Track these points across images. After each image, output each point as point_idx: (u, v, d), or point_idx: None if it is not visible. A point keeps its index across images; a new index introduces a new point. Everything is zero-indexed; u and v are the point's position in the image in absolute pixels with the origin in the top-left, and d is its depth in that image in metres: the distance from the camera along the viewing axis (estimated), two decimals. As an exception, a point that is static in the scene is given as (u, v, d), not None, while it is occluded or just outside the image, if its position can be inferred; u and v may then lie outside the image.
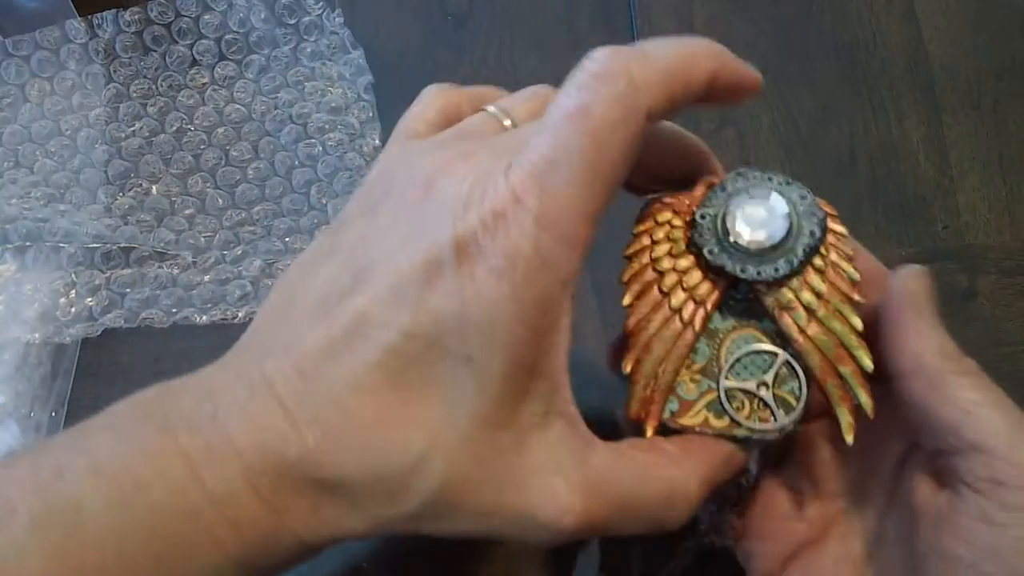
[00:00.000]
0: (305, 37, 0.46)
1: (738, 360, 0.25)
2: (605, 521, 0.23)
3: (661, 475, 0.24)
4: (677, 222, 0.26)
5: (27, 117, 0.45)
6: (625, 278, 0.26)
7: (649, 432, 0.25)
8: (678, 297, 0.25)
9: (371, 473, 0.22)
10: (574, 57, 0.50)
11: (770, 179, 0.26)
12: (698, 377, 0.25)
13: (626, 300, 0.26)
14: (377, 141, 0.44)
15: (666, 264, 0.26)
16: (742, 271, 0.25)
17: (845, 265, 0.25)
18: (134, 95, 0.45)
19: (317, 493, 0.22)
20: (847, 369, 0.25)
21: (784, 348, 0.25)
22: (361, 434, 0.22)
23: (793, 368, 0.25)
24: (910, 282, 0.25)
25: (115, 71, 0.45)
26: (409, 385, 0.22)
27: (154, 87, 0.45)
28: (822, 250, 0.25)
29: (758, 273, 0.25)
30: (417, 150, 0.25)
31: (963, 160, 0.43)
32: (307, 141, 0.44)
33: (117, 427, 0.22)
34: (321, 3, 0.46)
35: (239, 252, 0.42)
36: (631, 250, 0.26)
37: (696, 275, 0.26)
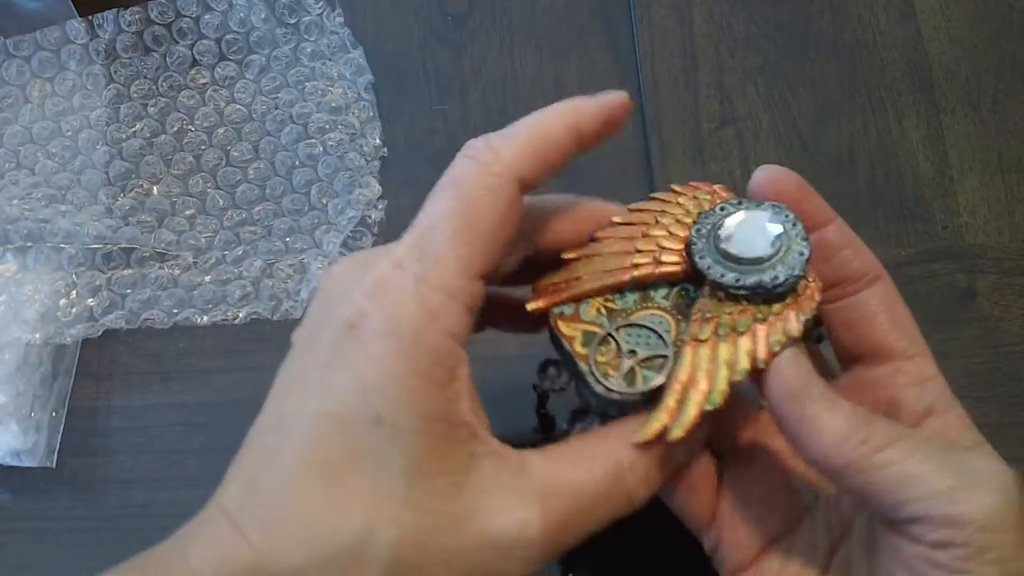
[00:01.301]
0: (305, 37, 0.46)
1: (640, 326, 0.27)
2: (569, 523, 0.24)
3: (597, 453, 0.25)
4: (685, 219, 0.28)
5: (28, 118, 0.45)
6: (618, 219, 0.28)
7: (529, 306, 0.27)
8: (647, 246, 0.28)
9: (321, 558, 0.22)
10: (574, 57, 0.50)
11: (772, 207, 0.27)
12: (604, 311, 0.27)
13: (616, 219, 0.28)
14: (378, 140, 0.44)
15: (656, 232, 0.28)
16: (721, 275, 0.26)
17: (786, 325, 0.25)
18: (135, 96, 0.45)
19: None
20: (694, 394, 0.25)
21: (676, 347, 0.27)
22: (303, 524, 0.22)
23: (667, 366, 0.26)
24: (783, 376, 0.25)
25: (115, 72, 0.45)
26: (335, 464, 0.23)
27: (155, 87, 0.45)
28: (784, 300, 0.26)
29: (736, 280, 0.26)
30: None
31: (962, 160, 0.43)
32: (307, 141, 0.44)
33: None
34: (321, 3, 0.46)
35: (240, 252, 0.42)
36: (637, 205, 0.29)
37: (673, 250, 0.27)
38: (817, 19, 0.46)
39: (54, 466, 0.40)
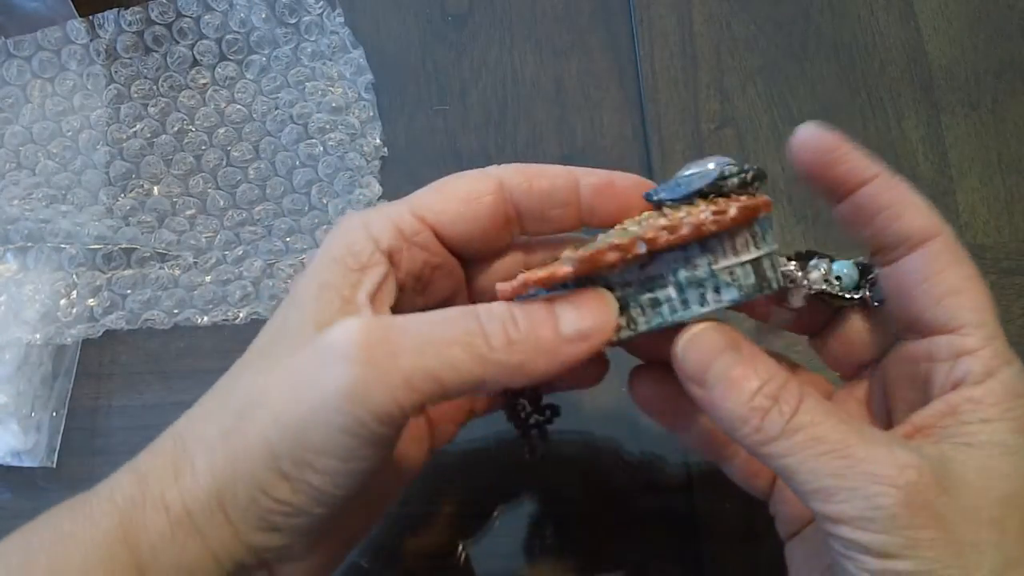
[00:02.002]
0: (306, 37, 0.46)
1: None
2: (392, 341, 0.23)
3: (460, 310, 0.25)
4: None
5: (28, 118, 0.45)
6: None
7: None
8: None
9: (220, 414, 0.25)
10: (574, 57, 0.50)
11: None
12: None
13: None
14: (378, 140, 0.44)
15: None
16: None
17: (701, 212, 0.25)
18: (135, 96, 0.45)
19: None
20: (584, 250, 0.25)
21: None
22: (213, 399, 0.26)
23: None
24: (681, 359, 0.25)
25: (116, 72, 0.45)
26: (263, 347, 0.26)
27: (155, 88, 0.45)
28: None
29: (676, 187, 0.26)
30: None
31: (962, 160, 0.43)
32: (308, 141, 0.44)
33: (59, 517, 0.26)
34: (321, 3, 0.46)
35: (240, 252, 0.42)
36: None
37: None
38: (817, 19, 0.46)
39: (54, 466, 0.40)
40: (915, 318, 0.26)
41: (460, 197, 0.27)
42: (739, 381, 0.24)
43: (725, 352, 0.24)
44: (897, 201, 0.26)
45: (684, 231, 0.24)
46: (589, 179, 0.28)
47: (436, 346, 0.23)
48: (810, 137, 0.27)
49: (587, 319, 0.24)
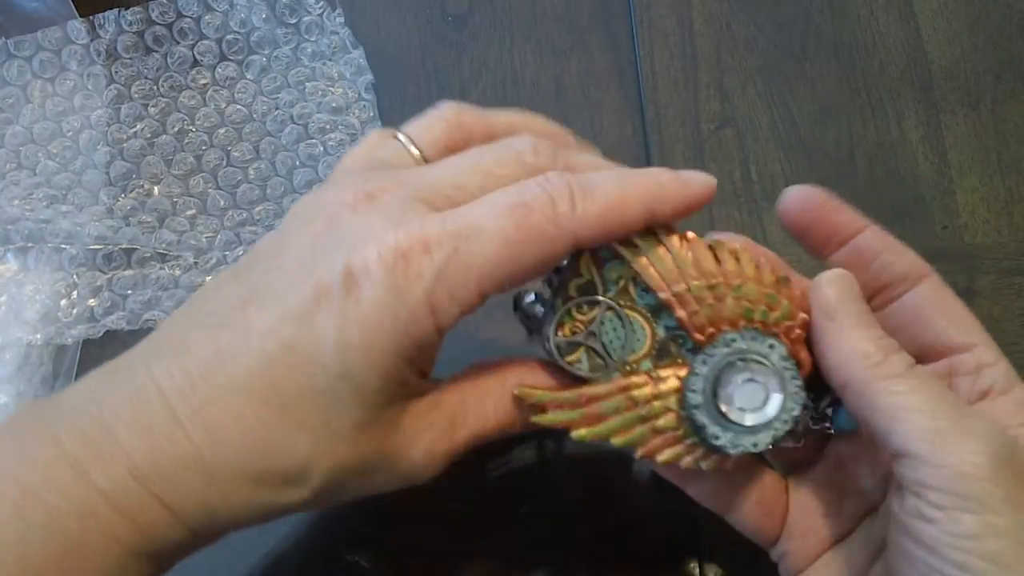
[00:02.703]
0: (306, 37, 0.46)
1: (628, 321, 0.27)
2: (469, 444, 0.26)
3: (495, 380, 0.27)
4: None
5: (29, 118, 0.45)
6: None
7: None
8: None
9: (260, 471, 0.24)
10: (574, 57, 0.50)
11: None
12: (622, 285, 0.27)
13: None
14: (378, 141, 0.44)
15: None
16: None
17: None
18: (135, 96, 0.45)
19: (205, 487, 0.23)
20: (600, 426, 0.27)
21: (622, 368, 0.27)
22: (251, 435, 0.23)
23: (599, 377, 0.27)
24: (822, 290, 0.26)
25: (116, 72, 0.45)
26: (287, 392, 0.23)
27: (155, 88, 0.45)
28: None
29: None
30: (331, 185, 0.27)
31: (962, 160, 0.43)
32: (308, 141, 0.44)
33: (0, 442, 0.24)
34: (322, 3, 0.46)
35: (241, 253, 0.42)
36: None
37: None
38: (817, 19, 0.46)
39: (55, 466, 0.40)
40: (932, 342, 0.28)
41: (537, 269, 0.25)
42: (868, 322, 0.25)
43: (860, 298, 0.26)
44: (892, 245, 0.28)
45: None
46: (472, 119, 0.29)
47: (488, 434, 0.28)
48: (802, 196, 0.28)
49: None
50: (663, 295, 0.26)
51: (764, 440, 0.26)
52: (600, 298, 0.27)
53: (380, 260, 0.23)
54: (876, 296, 0.28)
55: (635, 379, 0.27)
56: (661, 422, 0.27)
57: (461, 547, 0.37)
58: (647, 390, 0.27)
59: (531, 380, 0.27)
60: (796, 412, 0.26)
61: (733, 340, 0.26)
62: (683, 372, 0.27)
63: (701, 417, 0.26)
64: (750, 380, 0.26)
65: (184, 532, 0.24)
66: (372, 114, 0.45)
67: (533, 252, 0.24)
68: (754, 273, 0.26)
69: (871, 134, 0.44)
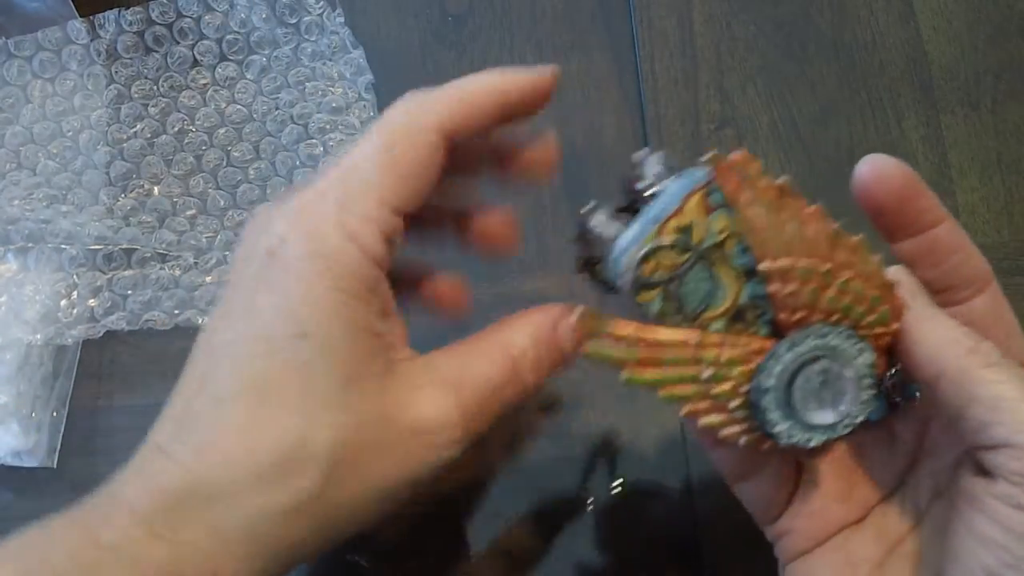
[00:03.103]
0: (306, 37, 0.46)
1: (709, 279, 0.25)
2: (480, 407, 0.26)
3: (493, 345, 0.26)
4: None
5: (29, 118, 0.45)
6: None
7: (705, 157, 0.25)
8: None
9: (257, 469, 0.23)
10: (574, 57, 0.50)
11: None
12: (718, 234, 0.25)
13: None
14: (378, 141, 0.44)
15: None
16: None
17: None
18: (136, 96, 0.45)
19: (207, 510, 0.23)
20: (650, 372, 0.26)
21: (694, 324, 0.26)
22: (234, 440, 0.23)
23: (669, 324, 0.26)
24: (901, 280, 0.26)
25: (116, 72, 0.45)
26: (265, 381, 0.23)
27: (155, 88, 0.45)
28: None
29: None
30: None
31: (962, 160, 0.43)
32: (308, 141, 0.44)
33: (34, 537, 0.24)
34: (322, 3, 0.46)
35: (240, 252, 0.42)
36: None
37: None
38: (817, 19, 0.46)
39: (55, 466, 0.40)
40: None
41: (419, 172, 0.25)
42: (944, 314, 0.25)
43: (927, 293, 0.26)
44: (966, 244, 0.26)
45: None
46: (514, 87, 0.27)
47: (499, 407, 0.26)
48: (883, 169, 0.26)
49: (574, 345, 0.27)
50: (765, 266, 0.24)
51: (818, 439, 0.25)
52: (693, 245, 0.25)
53: (286, 221, 0.24)
54: (940, 295, 0.27)
55: (710, 338, 0.25)
56: (718, 390, 0.25)
57: (461, 547, 0.37)
58: (716, 353, 0.25)
59: (520, 337, 0.27)
60: (860, 419, 0.25)
61: (826, 334, 0.25)
62: (755, 345, 0.25)
63: (767, 401, 0.25)
64: (826, 379, 0.25)
65: (205, 568, 0.23)
66: (372, 114, 0.45)
67: (409, 155, 0.25)
68: (867, 270, 0.25)
69: (871, 134, 0.44)
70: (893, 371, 0.27)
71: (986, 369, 0.23)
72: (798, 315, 0.25)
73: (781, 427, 0.25)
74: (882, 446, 0.29)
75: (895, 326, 0.25)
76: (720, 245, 0.25)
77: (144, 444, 0.24)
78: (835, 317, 0.25)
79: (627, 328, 0.25)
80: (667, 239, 0.25)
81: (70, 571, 0.22)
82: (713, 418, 0.26)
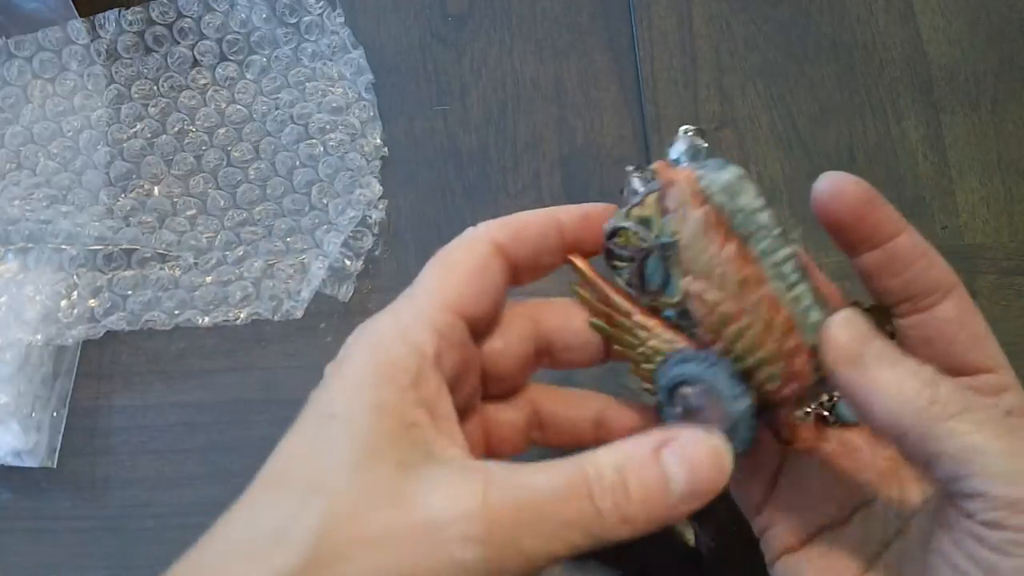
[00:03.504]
0: (306, 37, 0.46)
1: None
2: (518, 524, 0.22)
3: (562, 463, 0.23)
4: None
5: (29, 118, 0.45)
6: None
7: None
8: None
9: (247, 541, 0.22)
10: (574, 57, 0.50)
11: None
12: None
13: None
14: (378, 140, 0.44)
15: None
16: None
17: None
18: (136, 96, 0.45)
19: None
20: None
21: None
22: (242, 513, 0.23)
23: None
24: (838, 339, 0.24)
25: (116, 72, 0.45)
26: (286, 460, 0.24)
27: (155, 88, 0.45)
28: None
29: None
30: None
31: (962, 160, 0.43)
32: (308, 141, 0.44)
33: None
34: (322, 3, 0.46)
35: (240, 253, 0.42)
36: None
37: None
38: (817, 19, 0.46)
39: (55, 466, 0.40)
40: (959, 360, 0.26)
41: (473, 272, 0.27)
42: (897, 357, 0.24)
43: (879, 336, 0.24)
44: (928, 251, 0.26)
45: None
46: (567, 216, 0.28)
47: (555, 527, 0.22)
48: (839, 185, 0.26)
49: (701, 478, 0.23)
50: (685, 283, 0.26)
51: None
52: (644, 242, 0.27)
53: (354, 337, 0.26)
54: (904, 304, 0.27)
55: (648, 321, 0.27)
56: (645, 366, 0.28)
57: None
58: (646, 336, 0.28)
59: (604, 455, 0.24)
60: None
61: (713, 364, 0.26)
62: (679, 343, 0.27)
63: (660, 396, 0.27)
64: (688, 407, 0.26)
65: None
66: (372, 114, 0.45)
67: (461, 264, 0.27)
68: (773, 323, 0.25)
69: (871, 134, 0.44)
70: (828, 398, 0.29)
71: (950, 421, 0.22)
72: (709, 336, 0.26)
73: (667, 423, 0.27)
74: (866, 449, 0.28)
75: (787, 391, 0.25)
76: (673, 245, 0.26)
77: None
78: (732, 355, 0.26)
79: (598, 280, 0.28)
80: (629, 223, 0.27)
81: None
82: (643, 385, 0.28)
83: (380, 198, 0.43)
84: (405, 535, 0.22)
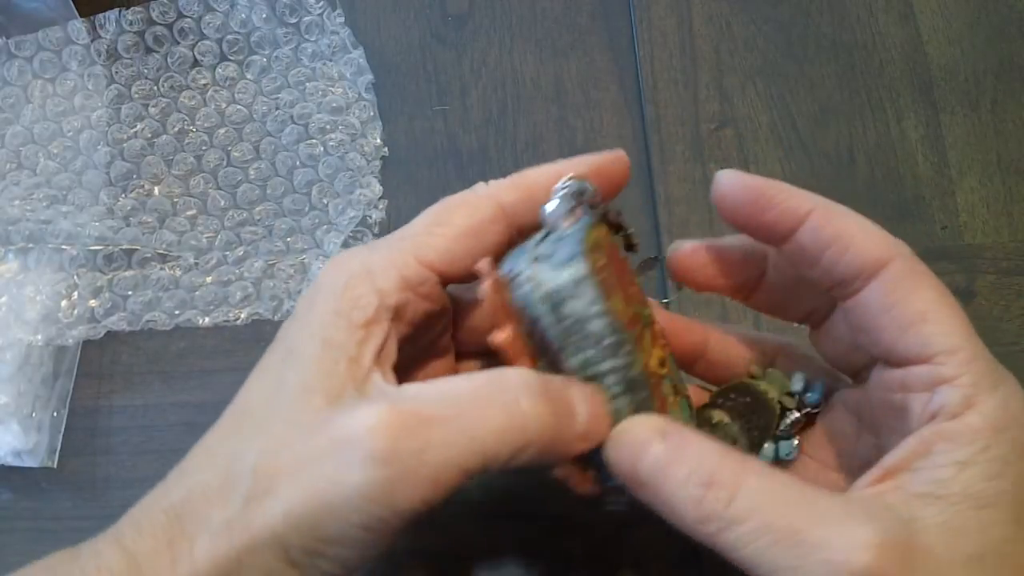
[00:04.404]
0: (306, 37, 0.46)
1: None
2: (424, 426, 0.22)
3: (484, 372, 0.24)
4: None
5: (29, 118, 0.45)
6: None
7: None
8: None
9: (197, 487, 0.24)
10: (574, 57, 0.50)
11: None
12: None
13: None
14: (378, 140, 0.44)
15: None
16: None
17: None
18: (136, 96, 0.45)
19: (169, 526, 0.24)
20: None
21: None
22: (201, 459, 0.25)
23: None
24: (618, 464, 0.24)
25: (117, 72, 0.45)
26: (245, 402, 0.25)
27: (156, 88, 0.45)
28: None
29: None
30: None
31: (961, 160, 0.43)
32: (308, 141, 0.44)
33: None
34: (322, 3, 0.46)
35: (241, 253, 0.42)
36: None
37: None
38: (817, 19, 0.46)
39: (55, 466, 0.40)
40: (887, 351, 0.24)
41: (465, 232, 0.26)
42: (667, 469, 0.23)
43: (651, 444, 0.23)
44: (842, 232, 0.24)
45: None
46: (578, 170, 0.27)
47: (466, 432, 0.22)
48: (730, 186, 0.25)
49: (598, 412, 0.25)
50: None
51: None
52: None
53: (331, 260, 0.27)
54: (834, 291, 0.25)
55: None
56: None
57: (461, 547, 0.37)
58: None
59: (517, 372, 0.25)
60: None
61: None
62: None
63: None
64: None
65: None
66: (372, 114, 0.45)
67: (458, 219, 0.26)
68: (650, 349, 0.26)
69: (871, 134, 0.44)
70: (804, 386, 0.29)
71: (723, 535, 0.22)
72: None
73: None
74: (852, 434, 0.28)
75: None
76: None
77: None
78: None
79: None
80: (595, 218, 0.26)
81: None
82: None
83: (380, 198, 0.43)
84: (316, 464, 0.22)
